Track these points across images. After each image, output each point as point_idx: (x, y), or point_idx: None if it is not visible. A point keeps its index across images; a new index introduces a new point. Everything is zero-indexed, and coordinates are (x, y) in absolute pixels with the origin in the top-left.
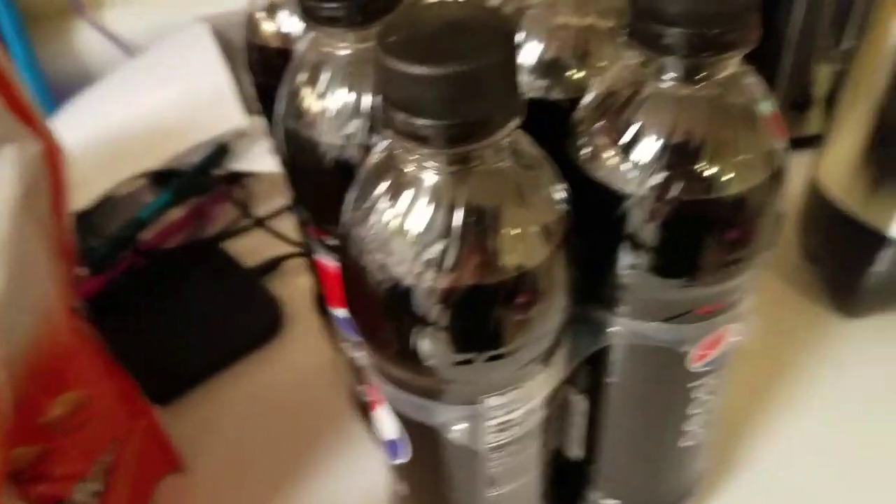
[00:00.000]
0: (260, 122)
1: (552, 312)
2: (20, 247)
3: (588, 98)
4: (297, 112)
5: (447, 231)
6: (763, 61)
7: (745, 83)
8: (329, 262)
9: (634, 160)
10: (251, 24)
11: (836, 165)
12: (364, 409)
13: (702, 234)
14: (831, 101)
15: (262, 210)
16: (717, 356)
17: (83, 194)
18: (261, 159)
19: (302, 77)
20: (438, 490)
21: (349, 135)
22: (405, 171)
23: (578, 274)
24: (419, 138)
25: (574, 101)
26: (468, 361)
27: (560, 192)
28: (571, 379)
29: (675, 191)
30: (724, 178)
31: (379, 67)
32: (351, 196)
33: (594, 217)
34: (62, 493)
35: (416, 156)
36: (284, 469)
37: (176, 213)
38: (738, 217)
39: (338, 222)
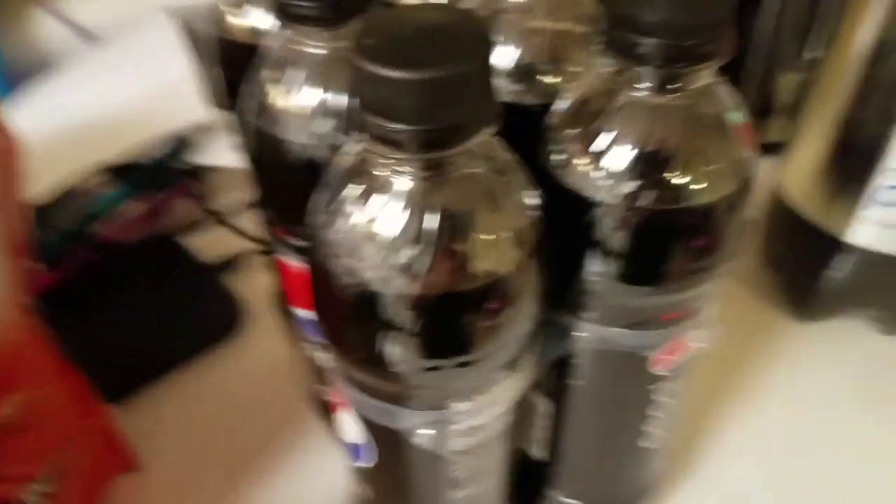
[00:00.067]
0: (221, 115)
1: (523, 318)
2: None
3: (561, 104)
4: (265, 109)
5: (419, 236)
6: (728, 69)
7: (719, 93)
8: (291, 261)
9: (606, 168)
10: (217, 17)
11: (798, 173)
12: (324, 409)
13: (671, 243)
14: (794, 109)
15: (222, 205)
16: (680, 361)
17: (40, 186)
18: (222, 153)
19: (271, 74)
20: (401, 492)
21: (319, 134)
22: (377, 174)
23: (548, 280)
24: (393, 143)
25: (547, 106)
26: (437, 368)
27: (532, 198)
28: (536, 382)
29: (646, 199)
30: (695, 188)
31: (354, 71)
32: (320, 198)
33: (564, 223)
34: (11, 494)
35: (390, 160)
36: (242, 468)
37: (135, 208)
38: (707, 226)
39: (302, 222)
